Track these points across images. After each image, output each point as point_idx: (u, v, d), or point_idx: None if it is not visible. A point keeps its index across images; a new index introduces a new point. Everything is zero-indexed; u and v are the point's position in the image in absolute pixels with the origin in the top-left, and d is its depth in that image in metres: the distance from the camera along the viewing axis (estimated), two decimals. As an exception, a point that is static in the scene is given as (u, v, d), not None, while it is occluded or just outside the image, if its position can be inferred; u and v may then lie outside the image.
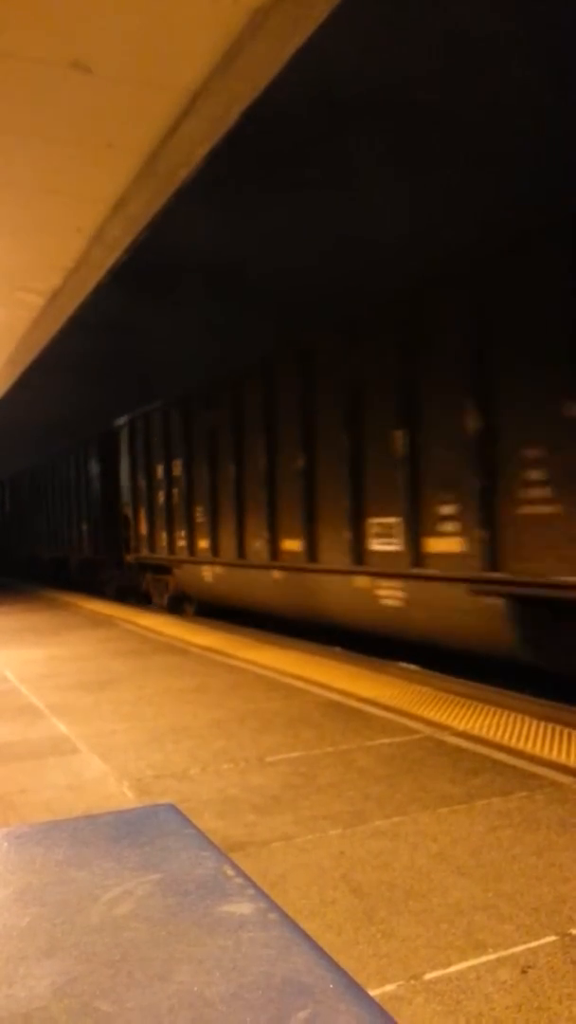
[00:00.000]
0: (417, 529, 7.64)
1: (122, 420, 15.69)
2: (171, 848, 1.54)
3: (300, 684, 7.34)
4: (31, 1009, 1.02)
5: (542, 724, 5.56)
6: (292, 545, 9.83)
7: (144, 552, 14.93)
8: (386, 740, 5.40)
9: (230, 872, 1.40)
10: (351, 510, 8.60)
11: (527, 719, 5.71)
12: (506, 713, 5.91)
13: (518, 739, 5.25)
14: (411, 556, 7.69)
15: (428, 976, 2.65)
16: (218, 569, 11.96)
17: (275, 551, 10.24)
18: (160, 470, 13.81)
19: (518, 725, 5.58)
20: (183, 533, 13.00)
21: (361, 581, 8.53)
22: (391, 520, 7.99)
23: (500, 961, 2.72)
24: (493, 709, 6.05)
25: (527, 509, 6.35)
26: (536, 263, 6.34)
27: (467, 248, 7.25)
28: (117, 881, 1.40)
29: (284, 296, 14.89)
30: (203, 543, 12.33)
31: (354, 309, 8.75)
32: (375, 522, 8.29)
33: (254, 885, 1.34)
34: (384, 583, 8.15)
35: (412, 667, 8.34)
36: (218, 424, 11.66)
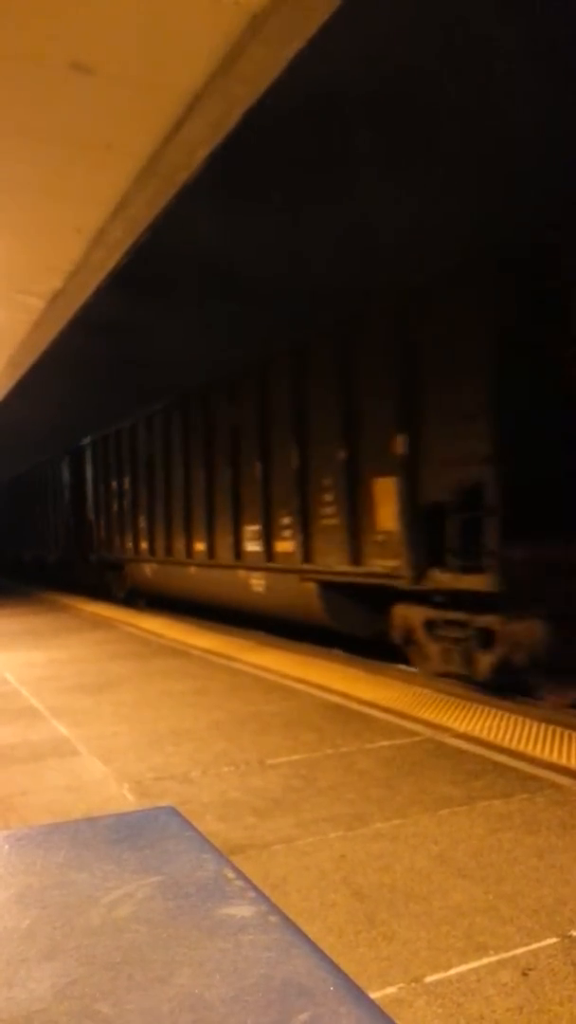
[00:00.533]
0: (270, 534, 10.36)
1: (87, 440, 18.78)
2: (171, 851, 1.54)
3: (300, 686, 7.33)
4: (31, 1011, 1.02)
5: (542, 726, 5.55)
6: (200, 546, 12.60)
7: (103, 552, 17.86)
8: (386, 742, 5.40)
9: (231, 875, 1.39)
10: (233, 519, 11.35)
11: (527, 721, 5.71)
12: (506, 715, 5.91)
13: (518, 741, 5.25)
14: (266, 554, 10.43)
15: (429, 978, 2.64)
16: (154, 565, 14.72)
17: (190, 551, 12.99)
18: (114, 484, 16.80)
19: (518, 727, 5.57)
20: (130, 536, 15.95)
21: (240, 573, 11.19)
22: (256, 527, 10.72)
23: (501, 963, 2.71)
24: (493, 711, 6.05)
25: (323, 522, 9.20)
26: (311, 361, 9.50)
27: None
28: (117, 884, 1.40)
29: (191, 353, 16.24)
30: (144, 544, 15.15)
31: (232, 371, 11.72)
32: (248, 529, 11.03)
33: (255, 888, 1.34)
34: (253, 574, 10.86)
35: (412, 669, 8.34)
36: (151, 449, 14.66)
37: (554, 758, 4.86)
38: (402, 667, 8.44)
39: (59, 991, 1.06)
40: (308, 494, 9.47)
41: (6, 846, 1.63)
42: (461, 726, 5.68)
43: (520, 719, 5.78)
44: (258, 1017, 0.96)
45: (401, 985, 2.62)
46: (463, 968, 2.70)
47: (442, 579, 7.24)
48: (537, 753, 4.98)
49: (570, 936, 2.86)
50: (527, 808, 4.10)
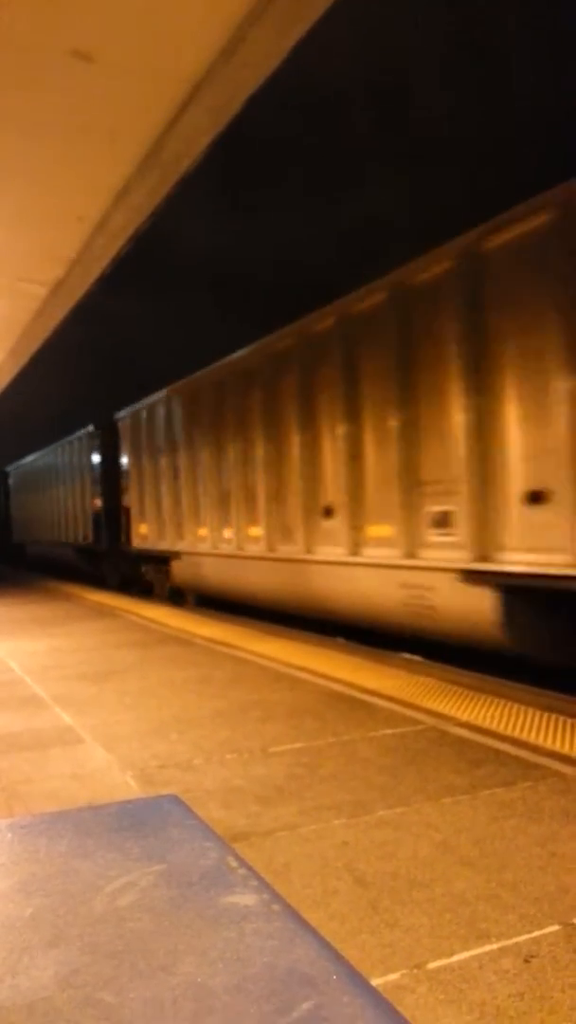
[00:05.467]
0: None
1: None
2: (175, 839, 1.54)
3: (303, 675, 7.34)
4: (35, 1000, 1.03)
5: (546, 715, 5.56)
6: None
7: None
8: (389, 731, 5.41)
9: (234, 863, 1.40)
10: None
11: (531, 710, 5.72)
12: (509, 704, 5.92)
13: (522, 730, 5.26)
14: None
15: (431, 965, 2.65)
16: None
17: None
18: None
19: (522, 716, 5.58)
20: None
21: None
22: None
23: (503, 951, 2.72)
24: (496, 700, 6.06)
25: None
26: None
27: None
28: (120, 872, 1.40)
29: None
30: None
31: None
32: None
33: (257, 876, 1.34)
34: None
35: (415, 658, 8.35)
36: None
37: (557, 747, 4.87)
38: (405, 655, 8.45)
39: (62, 979, 1.07)
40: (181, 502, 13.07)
41: (9, 834, 1.63)
42: (464, 715, 5.69)
43: (523, 708, 5.79)
44: (261, 1006, 0.96)
45: (404, 972, 2.63)
46: (465, 955, 2.71)
47: None
48: (540, 742, 4.98)
49: (572, 924, 2.87)
50: (530, 796, 4.10)
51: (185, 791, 4.33)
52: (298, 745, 5.16)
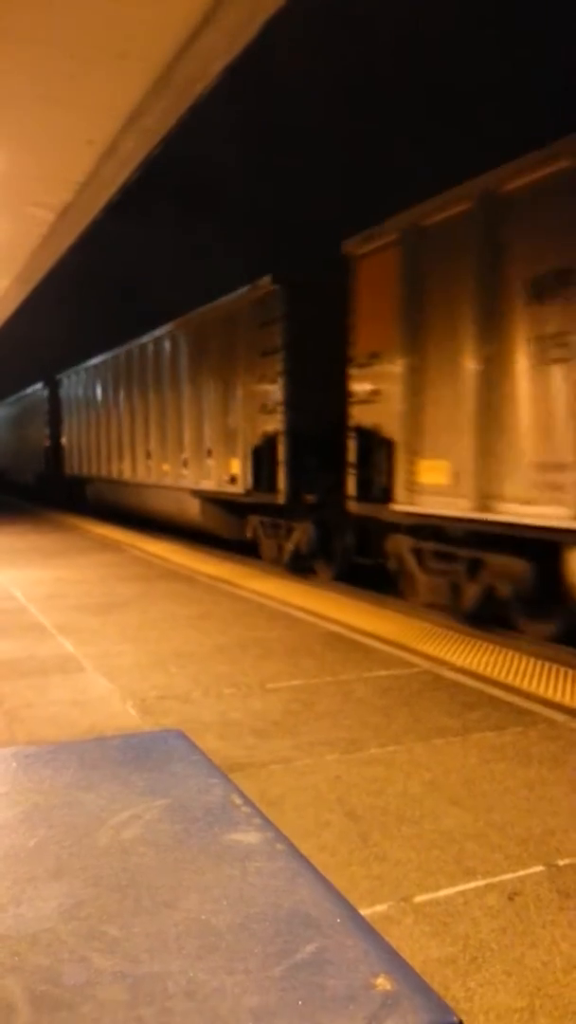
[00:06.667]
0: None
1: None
2: (179, 774, 1.57)
3: (302, 615, 7.42)
4: (38, 930, 1.05)
5: (539, 663, 5.63)
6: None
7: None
8: (385, 672, 5.49)
9: (238, 800, 1.42)
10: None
11: (525, 658, 5.79)
12: (504, 651, 5.99)
13: (515, 676, 5.33)
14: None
15: (418, 899, 2.74)
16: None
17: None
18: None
19: (515, 663, 5.65)
20: None
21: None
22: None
23: (488, 887, 2.81)
24: (492, 647, 6.13)
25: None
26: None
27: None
28: (125, 805, 1.43)
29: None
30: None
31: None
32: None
33: (261, 814, 1.37)
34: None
35: (414, 604, 8.41)
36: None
37: (549, 694, 4.95)
38: (403, 601, 8.52)
39: (66, 911, 1.09)
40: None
41: (14, 764, 1.66)
42: (459, 660, 5.76)
43: (517, 655, 5.86)
44: (265, 946, 0.98)
45: (391, 903, 2.72)
46: (451, 890, 2.79)
47: None
48: (532, 688, 5.06)
49: (556, 865, 2.96)
50: (520, 741, 4.18)
51: (184, 722, 4.42)
52: (295, 682, 5.24)
